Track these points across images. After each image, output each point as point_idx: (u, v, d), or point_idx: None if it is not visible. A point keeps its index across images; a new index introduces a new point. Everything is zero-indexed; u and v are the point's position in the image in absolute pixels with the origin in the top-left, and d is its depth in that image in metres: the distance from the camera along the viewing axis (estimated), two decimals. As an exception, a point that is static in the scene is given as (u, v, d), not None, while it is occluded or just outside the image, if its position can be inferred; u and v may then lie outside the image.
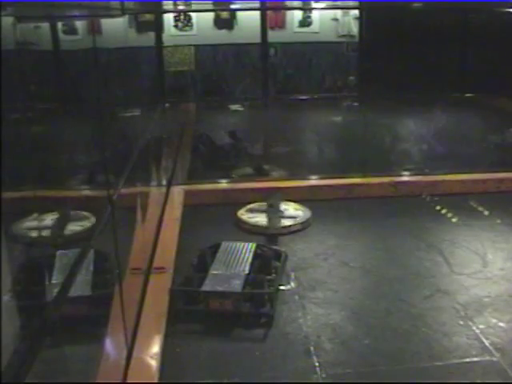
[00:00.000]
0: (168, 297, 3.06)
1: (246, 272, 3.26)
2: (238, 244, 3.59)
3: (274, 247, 3.71)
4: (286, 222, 4.21)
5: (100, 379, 2.02)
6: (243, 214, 4.33)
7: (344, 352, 2.74)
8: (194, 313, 3.08)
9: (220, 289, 3.09)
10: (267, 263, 3.42)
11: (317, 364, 2.64)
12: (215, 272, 3.26)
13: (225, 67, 9.81)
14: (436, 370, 2.60)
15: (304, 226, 4.21)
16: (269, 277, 3.27)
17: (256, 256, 3.46)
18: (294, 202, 4.53)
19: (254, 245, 3.58)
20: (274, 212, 4.29)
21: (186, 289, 3.18)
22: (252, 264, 3.35)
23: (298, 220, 4.24)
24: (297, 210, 4.39)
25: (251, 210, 4.40)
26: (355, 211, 4.59)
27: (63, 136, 2.18)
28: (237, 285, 3.12)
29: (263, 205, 4.44)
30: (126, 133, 3.52)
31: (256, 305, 3.07)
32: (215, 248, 3.56)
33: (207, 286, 3.12)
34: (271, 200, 4.44)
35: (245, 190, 4.82)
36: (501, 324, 2.93)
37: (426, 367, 2.62)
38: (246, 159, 6.01)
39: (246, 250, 3.51)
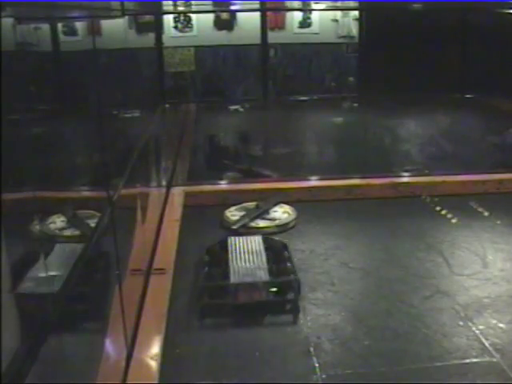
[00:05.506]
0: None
1: (266, 263, 3.36)
2: (245, 238, 3.70)
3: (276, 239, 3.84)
4: (260, 223, 4.21)
5: (100, 380, 2.02)
6: (230, 211, 4.38)
7: (344, 353, 2.74)
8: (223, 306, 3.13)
9: (249, 280, 3.16)
10: (279, 254, 3.55)
11: (316, 365, 2.64)
12: (236, 265, 3.34)
13: (225, 68, 9.81)
14: (436, 370, 2.60)
15: (281, 230, 4.18)
16: (287, 265, 3.38)
17: (266, 248, 3.58)
18: (288, 204, 4.49)
19: (261, 237, 3.72)
20: (251, 212, 4.30)
21: (215, 284, 3.23)
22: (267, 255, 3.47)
23: (276, 222, 4.23)
24: (284, 212, 4.37)
25: (239, 209, 4.42)
26: (355, 212, 4.59)
27: (62, 137, 2.17)
28: (263, 275, 3.21)
29: (252, 205, 4.45)
30: (125, 134, 3.51)
31: (282, 293, 3.17)
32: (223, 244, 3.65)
33: (235, 279, 3.17)
34: (263, 201, 4.45)
35: (244, 191, 4.82)
36: (501, 325, 2.93)
37: (426, 368, 2.62)
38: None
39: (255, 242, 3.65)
